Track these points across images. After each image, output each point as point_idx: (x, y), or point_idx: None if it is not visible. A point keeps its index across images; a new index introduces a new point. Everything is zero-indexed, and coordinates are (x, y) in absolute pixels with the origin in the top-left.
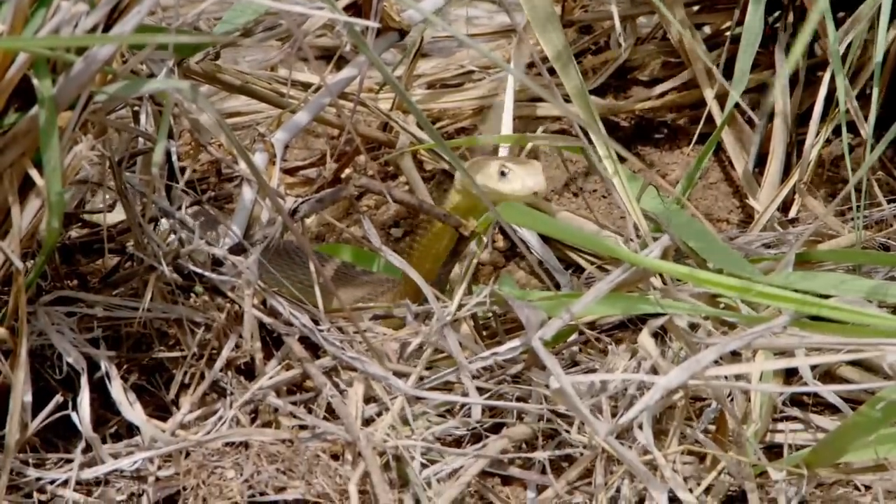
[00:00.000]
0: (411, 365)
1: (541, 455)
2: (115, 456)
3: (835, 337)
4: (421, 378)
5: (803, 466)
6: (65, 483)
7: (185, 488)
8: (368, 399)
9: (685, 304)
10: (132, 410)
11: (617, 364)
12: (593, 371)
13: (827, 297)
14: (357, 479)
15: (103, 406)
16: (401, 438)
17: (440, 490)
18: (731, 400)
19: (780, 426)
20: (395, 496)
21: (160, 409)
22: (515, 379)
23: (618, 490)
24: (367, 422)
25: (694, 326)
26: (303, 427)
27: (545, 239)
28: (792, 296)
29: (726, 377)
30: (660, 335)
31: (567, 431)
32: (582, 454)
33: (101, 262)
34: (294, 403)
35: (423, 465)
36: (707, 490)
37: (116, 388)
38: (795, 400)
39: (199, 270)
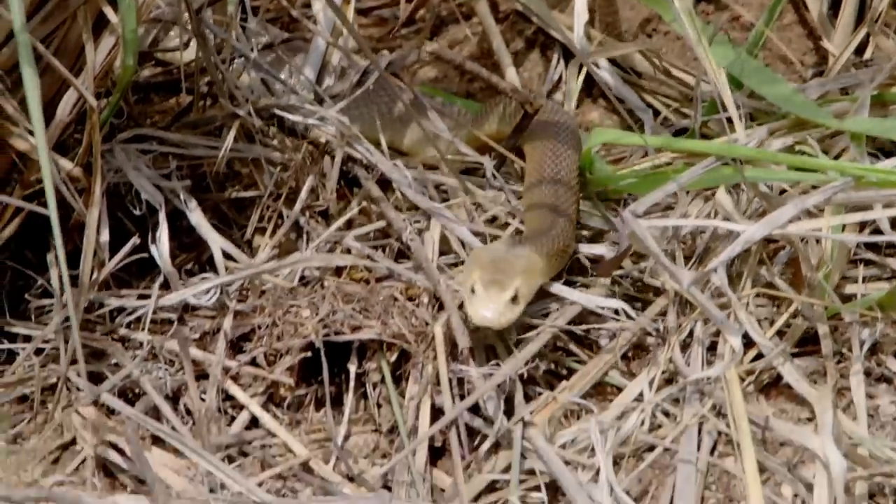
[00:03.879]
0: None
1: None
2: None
3: None
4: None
5: (877, 309)
6: (138, 321)
7: (259, 327)
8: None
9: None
10: (213, 233)
11: (691, 212)
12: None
13: None
14: (442, 322)
15: (179, 248)
16: None
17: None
18: (805, 242)
19: (854, 273)
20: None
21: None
22: None
23: (690, 333)
24: (440, 270)
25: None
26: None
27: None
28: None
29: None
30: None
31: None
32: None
33: (175, 101)
34: (373, 247)
35: None
36: (780, 333)
37: (196, 215)
38: (870, 246)
39: (282, 112)
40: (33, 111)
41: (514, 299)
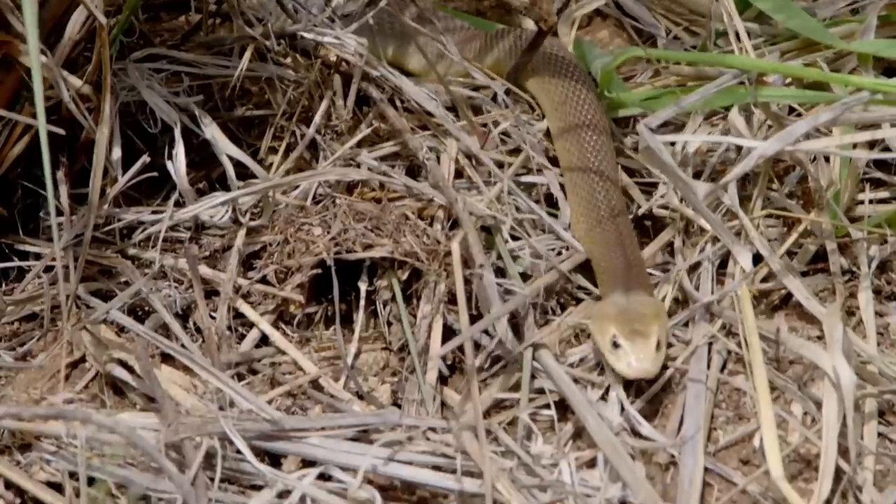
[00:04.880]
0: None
1: None
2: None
3: None
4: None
5: (885, 227)
6: (148, 240)
7: (270, 244)
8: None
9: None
10: (230, 146)
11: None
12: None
13: None
14: (459, 239)
15: (189, 167)
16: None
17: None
18: (814, 161)
19: (864, 196)
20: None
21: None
22: None
23: (697, 265)
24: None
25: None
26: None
27: None
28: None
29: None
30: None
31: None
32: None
33: (185, 19)
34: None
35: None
36: (790, 254)
37: (211, 129)
38: (880, 163)
39: (294, 29)
40: (27, 15)
41: (658, 346)
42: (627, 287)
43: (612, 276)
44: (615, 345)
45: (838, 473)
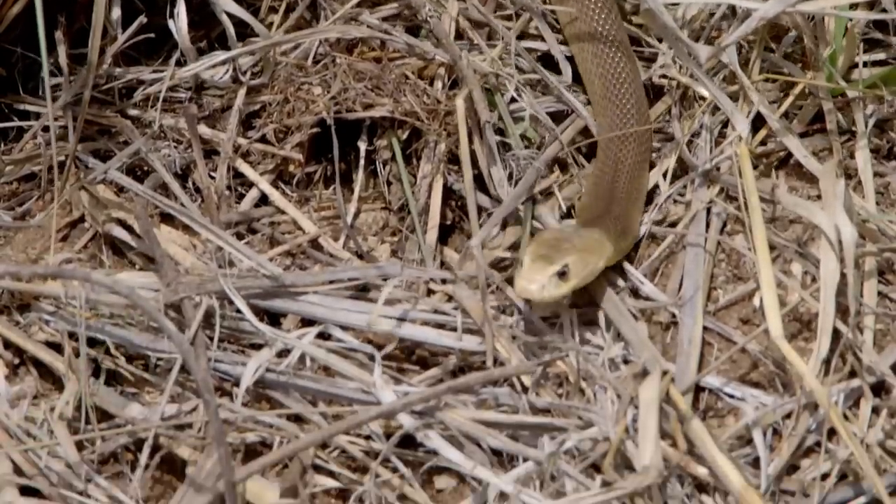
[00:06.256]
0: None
1: None
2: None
3: None
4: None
5: (882, 87)
6: (147, 101)
7: (270, 104)
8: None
9: None
10: (229, 2)
11: None
12: None
13: None
14: (464, 95)
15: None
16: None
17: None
18: (811, 22)
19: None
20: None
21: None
22: None
23: (695, 134)
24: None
25: None
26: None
27: None
28: None
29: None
30: None
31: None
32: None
33: None
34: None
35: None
36: (788, 116)
37: None
38: (879, 24)
39: None
40: None
41: (563, 275)
42: (589, 223)
43: (586, 210)
44: (521, 263)
45: (838, 334)
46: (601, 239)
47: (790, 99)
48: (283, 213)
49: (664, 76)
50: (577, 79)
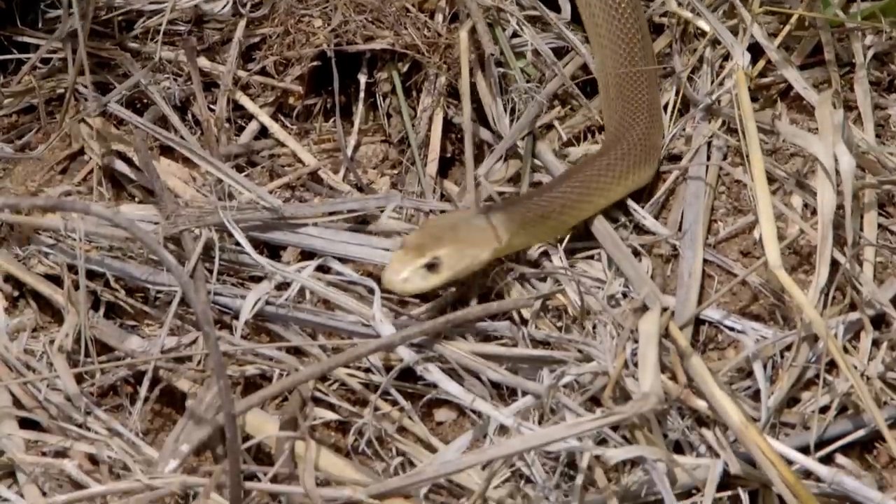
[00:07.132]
0: None
1: None
2: None
3: None
4: None
5: (880, 17)
6: (146, 34)
7: (270, 36)
8: None
9: None
10: None
11: None
12: None
13: None
14: (467, 28)
15: None
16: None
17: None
18: None
19: None
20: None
21: None
22: None
23: (695, 70)
24: None
25: None
26: None
27: None
28: None
29: None
30: None
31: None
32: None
33: None
34: None
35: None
36: (788, 48)
37: None
38: None
39: None
40: None
41: (433, 267)
42: (497, 209)
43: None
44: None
45: (837, 266)
46: (489, 230)
47: (787, 29)
48: (282, 145)
49: (665, 13)
50: (575, 18)
